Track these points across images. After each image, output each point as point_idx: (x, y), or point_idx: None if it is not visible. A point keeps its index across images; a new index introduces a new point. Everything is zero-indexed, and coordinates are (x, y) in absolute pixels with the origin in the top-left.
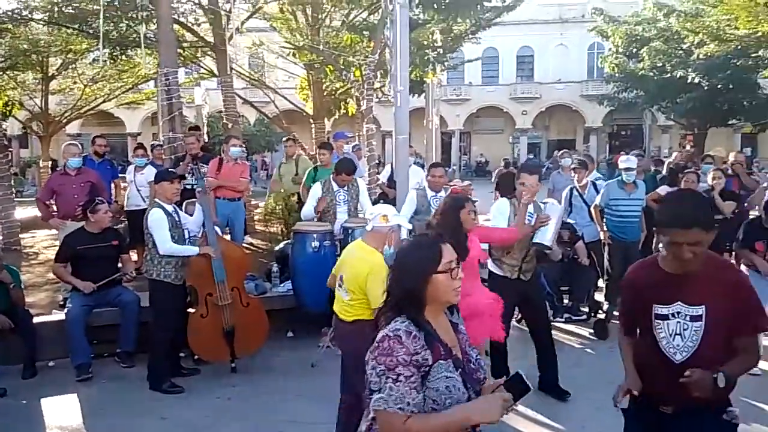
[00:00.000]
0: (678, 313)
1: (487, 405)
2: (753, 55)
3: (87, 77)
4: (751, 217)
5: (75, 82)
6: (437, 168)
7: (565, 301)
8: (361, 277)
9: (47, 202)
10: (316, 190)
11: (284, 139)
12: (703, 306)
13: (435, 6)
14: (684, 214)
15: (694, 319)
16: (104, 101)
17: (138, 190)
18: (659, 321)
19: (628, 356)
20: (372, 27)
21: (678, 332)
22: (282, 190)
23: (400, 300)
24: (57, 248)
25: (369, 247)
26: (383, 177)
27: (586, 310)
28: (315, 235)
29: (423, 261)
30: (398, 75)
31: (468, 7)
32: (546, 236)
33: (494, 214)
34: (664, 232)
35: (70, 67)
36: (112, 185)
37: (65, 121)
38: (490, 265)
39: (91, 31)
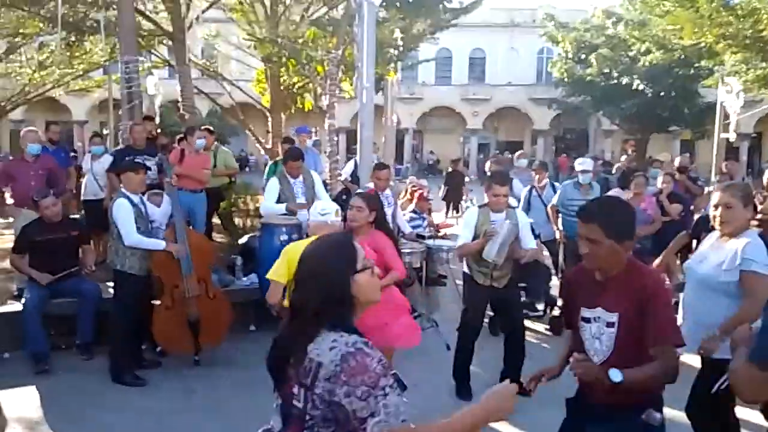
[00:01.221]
0: (598, 317)
1: (500, 398)
2: (695, 65)
3: (35, 62)
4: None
5: (21, 67)
6: (382, 170)
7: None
8: None
9: (2, 190)
10: (273, 184)
11: (201, 127)
12: (617, 314)
13: (398, 4)
14: (588, 208)
15: (609, 325)
16: (53, 87)
17: (95, 180)
18: (584, 323)
19: (565, 346)
20: (336, 22)
21: (597, 336)
22: None
23: (325, 308)
24: (8, 238)
25: None
26: (346, 173)
27: (542, 306)
28: (284, 228)
29: (342, 260)
30: (364, 72)
31: (430, 8)
32: (491, 252)
33: (463, 223)
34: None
35: (17, 50)
36: (67, 173)
37: (10, 107)
38: (465, 268)
39: (46, 15)
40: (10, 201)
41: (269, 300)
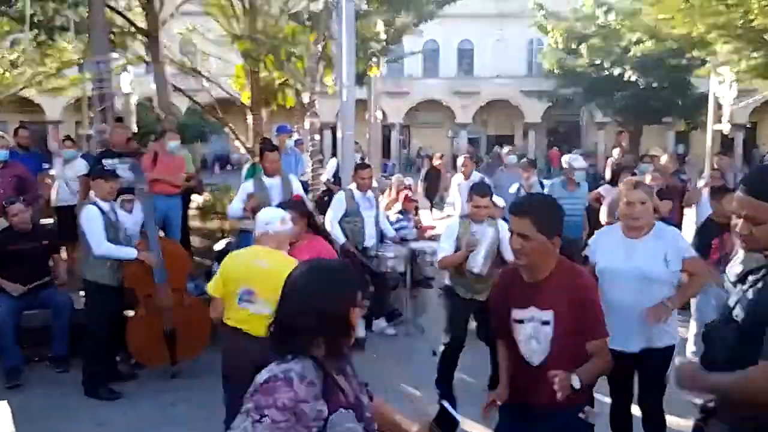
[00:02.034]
0: (532, 317)
1: None
2: (687, 55)
3: (7, 61)
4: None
5: None
6: (364, 169)
7: None
8: None
9: None
10: (245, 186)
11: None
12: (551, 311)
13: None
14: (520, 203)
15: (545, 323)
16: (25, 87)
17: (66, 185)
18: (516, 325)
19: (503, 363)
20: (315, 16)
21: (533, 336)
22: None
23: (316, 332)
24: None
25: (276, 251)
26: (328, 173)
27: None
28: None
29: (351, 286)
30: (343, 69)
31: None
32: (476, 263)
33: (444, 235)
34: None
35: None
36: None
37: None
38: (447, 281)
39: (14, 14)
40: None
41: (211, 315)
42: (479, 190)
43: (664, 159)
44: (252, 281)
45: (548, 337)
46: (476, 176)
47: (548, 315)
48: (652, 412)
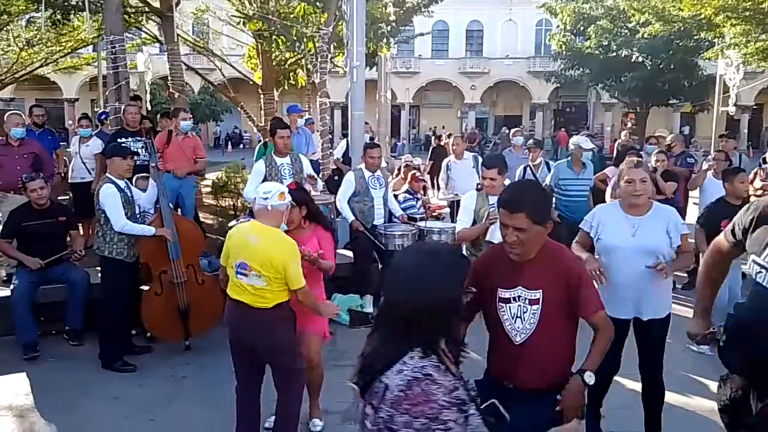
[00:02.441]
0: (519, 296)
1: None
2: (695, 36)
3: (23, 40)
4: (692, 198)
5: (9, 45)
6: (374, 149)
7: None
8: (277, 260)
9: None
10: (259, 167)
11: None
12: (541, 290)
13: None
14: (512, 199)
15: (533, 302)
16: (41, 66)
17: (83, 163)
18: (502, 304)
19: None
20: None
21: (518, 315)
22: None
23: (442, 323)
24: None
25: (270, 227)
26: (338, 152)
27: None
28: None
29: (465, 271)
30: (354, 50)
31: None
32: (494, 235)
33: (461, 208)
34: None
35: (4, 29)
36: (54, 155)
37: None
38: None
39: None
40: None
41: (222, 284)
42: (487, 163)
43: (669, 139)
44: (245, 255)
45: (536, 315)
46: (468, 156)
47: (537, 294)
48: (655, 382)
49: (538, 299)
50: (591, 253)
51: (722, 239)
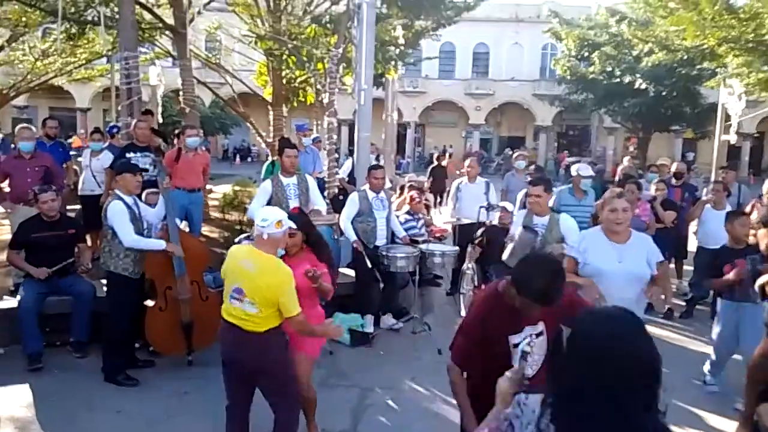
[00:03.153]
0: (528, 335)
1: None
2: (698, 66)
3: (38, 51)
4: (691, 230)
5: (25, 55)
6: (378, 170)
7: None
8: (270, 290)
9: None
10: (266, 186)
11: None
12: (542, 321)
13: (399, 3)
14: (547, 293)
15: (539, 335)
16: (55, 76)
17: (93, 176)
18: (514, 349)
19: (464, 394)
20: (335, 19)
21: (528, 351)
22: None
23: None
24: (5, 229)
25: (266, 254)
26: (344, 172)
27: None
28: None
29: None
30: (362, 73)
31: (432, 6)
32: (504, 254)
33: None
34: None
35: (20, 39)
36: (64, 167)
37: (13, 93)
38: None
39: (47, 8)
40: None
41: None
42: (533, 180)
43: (674, 167)
44: (241, 281)
45: (543, 345)
46: (480, 181)
47: (539, 327)
48: None
49: (542, 331)
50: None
51: None
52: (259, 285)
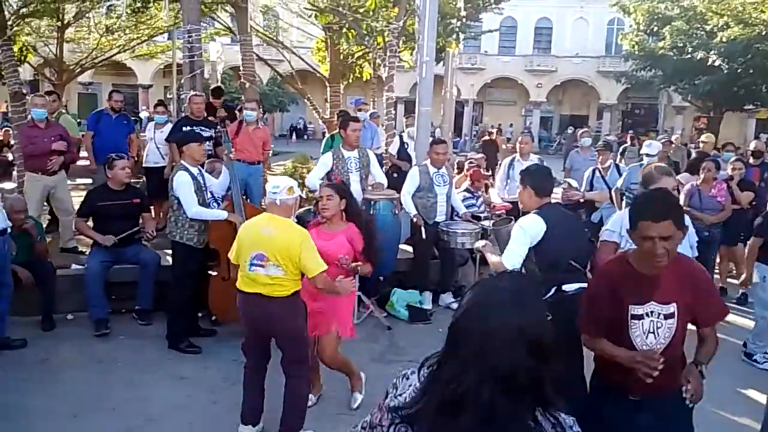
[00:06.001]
0: (651, 312)
1: None
2: None
3: (102, 27)
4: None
5: (90, 32)
6: (440, 144)
7: None
8: (293, 249)
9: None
10: (326, 159)
11: (44, 92)
12: (674, 303)
13: None
14: (656, 208)
15: (668, 317)
16: (119, 52)
17: (157, 148)
18: (635, 321)
19: (611, 346)
20: None
21: (651, 330)
22: None
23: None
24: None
25: (283, 219)
26: (392, 149)
27: None
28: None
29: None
30: (425, 45)
31: None
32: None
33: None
34: (636, 227)
35: (85, 16)
36: (128, 140)
37: (79, 69)
38: None
39: None
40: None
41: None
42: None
43: (752, 145)
44: (261, 247)
45: (671, 329)
46: (534, 158)
47: (671, 308)
48: None
49: (673, 313)
50: None
51: None
52: (279, 244)
